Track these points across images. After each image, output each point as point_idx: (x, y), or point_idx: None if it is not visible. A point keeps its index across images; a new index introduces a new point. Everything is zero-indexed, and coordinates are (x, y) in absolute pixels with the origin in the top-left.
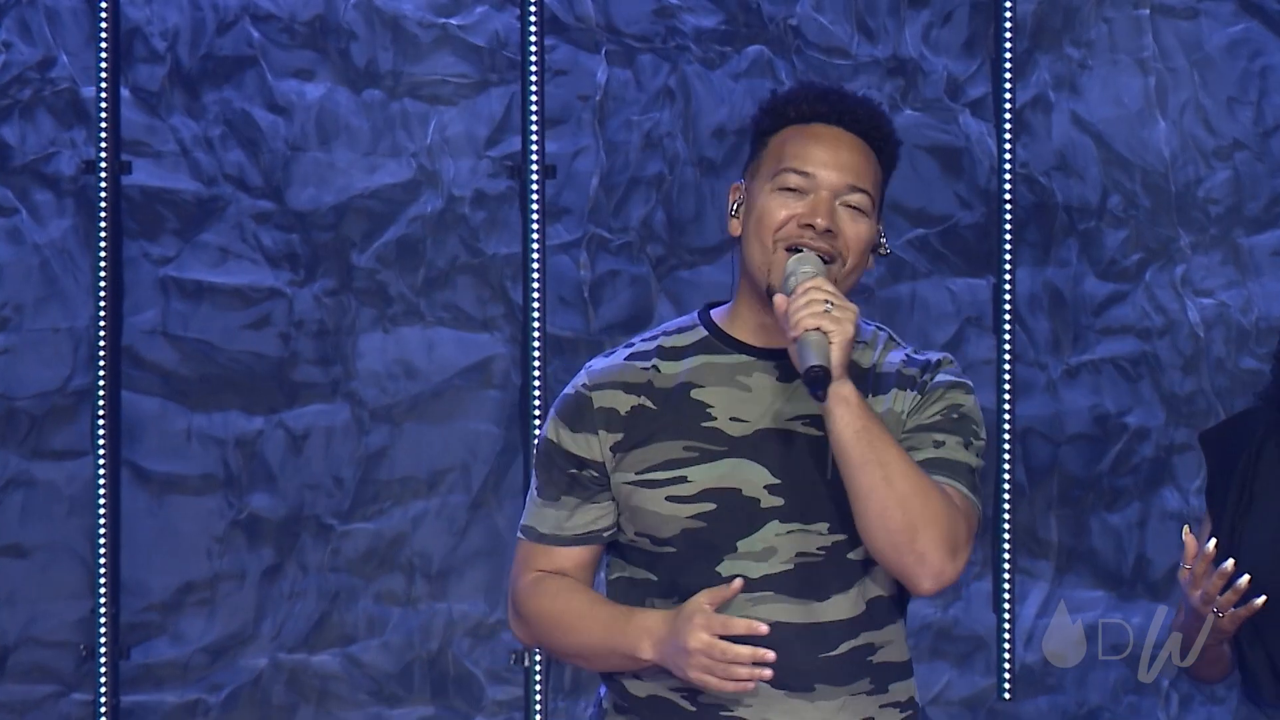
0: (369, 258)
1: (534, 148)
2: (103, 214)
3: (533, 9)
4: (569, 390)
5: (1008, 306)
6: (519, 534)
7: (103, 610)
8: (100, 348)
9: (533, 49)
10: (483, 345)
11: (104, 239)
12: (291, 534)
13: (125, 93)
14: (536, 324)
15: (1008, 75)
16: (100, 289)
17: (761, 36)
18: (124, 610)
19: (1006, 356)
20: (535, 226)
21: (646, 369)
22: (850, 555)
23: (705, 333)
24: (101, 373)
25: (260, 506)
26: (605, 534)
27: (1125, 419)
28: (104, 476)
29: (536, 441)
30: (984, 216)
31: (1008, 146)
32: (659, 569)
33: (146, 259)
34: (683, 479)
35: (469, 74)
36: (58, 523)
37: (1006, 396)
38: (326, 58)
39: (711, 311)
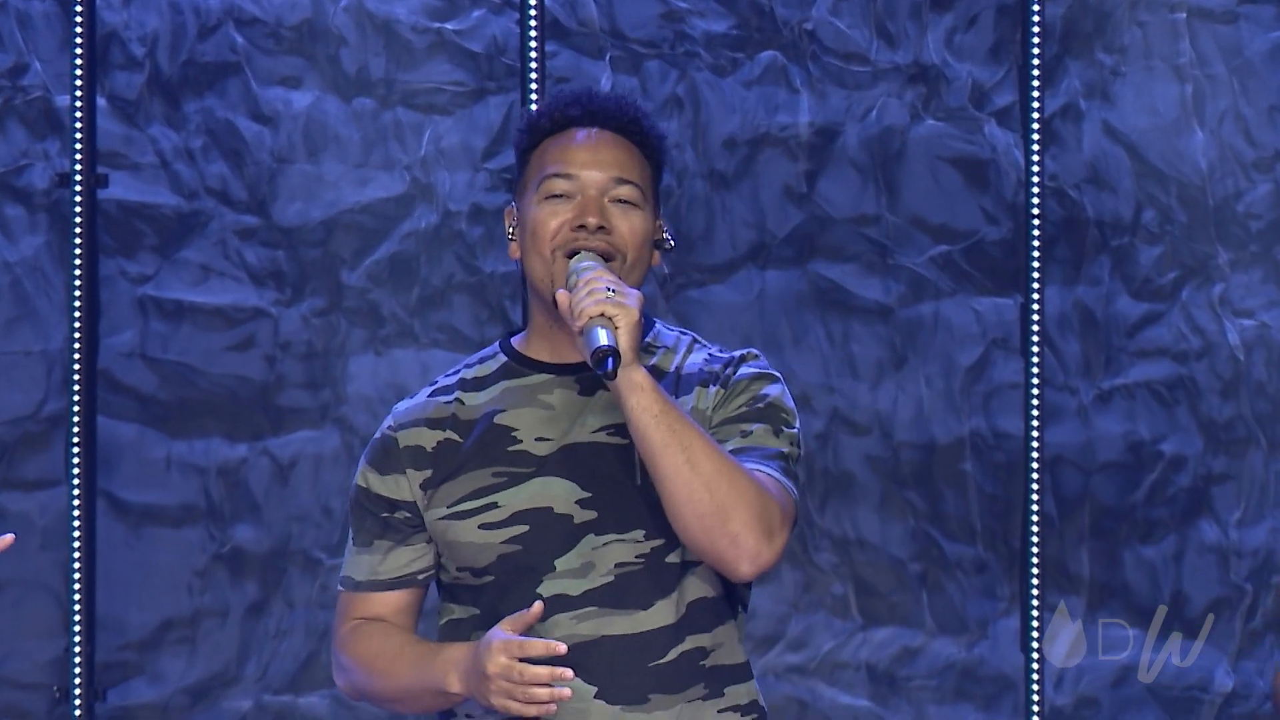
0: (360, 276)
1: None
2: (77, 230)
3: (533, 13)
4: (375, 435)
5: (1036, 327)
6: (339, 586)
7: (77, 649)
8: (75, 371)
9: (533, 55)
10: None
11: (79, 256)
12: (277, 568)
13: (101, 101)
14: None
15: (1036, 83)
16: (75, 309)
17: (775, 42)
18: (100, 649)
19: (1035, 380)
20: None
21: (449, 403)
22: (669, 559)
23: (505, 359)
24: (76, 397)
25: (244, 539)
26: (421, 576)
27: (1160, 446)
28: (79, 507)
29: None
30: (1011, 232)
31: (1036, 158)
32: (481, 601)
33: (124, 277)
34: (493, 505)
35: (465, 82)
36: (30, 556)
37: (1035, 422)
38: (315, 64)
39: (512, 339)
